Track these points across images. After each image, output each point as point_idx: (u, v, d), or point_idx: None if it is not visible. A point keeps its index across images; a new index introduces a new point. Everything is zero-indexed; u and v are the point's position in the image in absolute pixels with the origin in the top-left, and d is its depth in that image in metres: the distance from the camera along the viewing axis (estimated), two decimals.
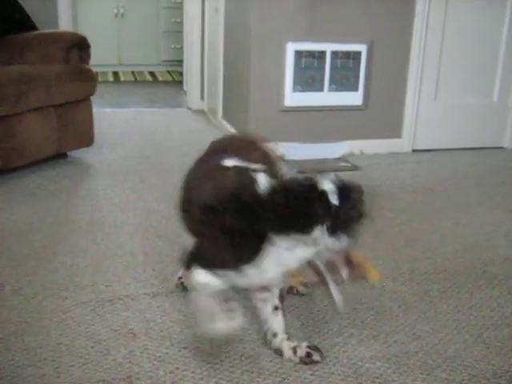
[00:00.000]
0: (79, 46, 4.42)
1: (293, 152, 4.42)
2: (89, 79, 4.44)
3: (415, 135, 4.96)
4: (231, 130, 4.95)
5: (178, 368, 2.15)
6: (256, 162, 2.15)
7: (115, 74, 9.06)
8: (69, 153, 4.62)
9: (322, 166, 4.32)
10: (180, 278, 2.66)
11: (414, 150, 4.96)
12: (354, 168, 4.33)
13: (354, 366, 2.19)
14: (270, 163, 2.30)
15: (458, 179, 4.35)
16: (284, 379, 2.11)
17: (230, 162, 2.12)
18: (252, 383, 2.08)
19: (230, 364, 2.19)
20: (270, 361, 2.20)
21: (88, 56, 4.47)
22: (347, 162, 4.47)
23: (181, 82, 7.74)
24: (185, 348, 2.27)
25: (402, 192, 3.99)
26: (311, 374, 2.14)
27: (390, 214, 3.60)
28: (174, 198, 3.68)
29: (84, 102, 4.45)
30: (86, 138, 4.53)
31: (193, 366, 2.17)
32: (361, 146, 4.71)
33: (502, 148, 5.28)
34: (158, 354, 2.22)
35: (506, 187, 4.25)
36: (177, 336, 2.34)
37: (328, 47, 4.54)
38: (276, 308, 2.21)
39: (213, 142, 2.61)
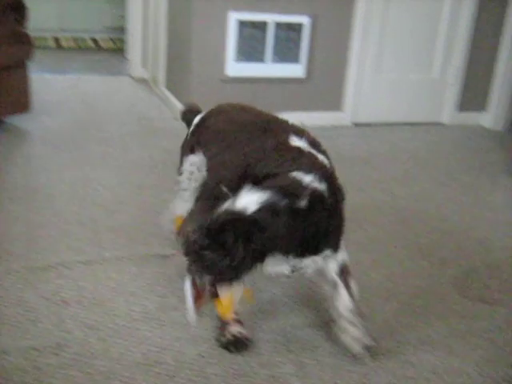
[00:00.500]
0: (15, 7, 4.26)
1: None
2: (25, 43, 4.30)
3: (356, 109, 5.01)
4: (172, 99, 4.90)
5: (109, 336, 2.15)
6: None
7: (56, 40, 8.81)
8: (6, 120, 4.49)
9: None
10: None
11: (354, 124, 5.01)
12: None
13: (285, 333, 2.22)
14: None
15: (395, 153, 4.43)
16: (215, 345, 2.13)
17: (299, 142, 1.97)
18: (186, 347, 2.10)
19: (163, 331, 2.20)
20: (206, 329, 2.22)
21: (25, 19, 4.31)
22: None
23: (123, 50, 7.60)
24: (116, 316, 2.26)
25: (339, 164, 3.99)
26: None
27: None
28: (111, 167, 3.67)
29: (20, 66, 4.32)
30: (21, 103, 4.40)
31: (125, 333, 2.17)
32: (302, 118, 4.72)
33: (440, 123, 5.39)
34: (90, 322, 2.21)
35: (442, 161, 4.35)
36: (109, 304, 2.33)
37: (271, 18, 4.52)
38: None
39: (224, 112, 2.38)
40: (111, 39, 9.10)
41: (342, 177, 3.79)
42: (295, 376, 2.02)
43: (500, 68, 5.31)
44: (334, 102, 4.93)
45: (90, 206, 3.16)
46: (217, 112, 2.37)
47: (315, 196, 1.74)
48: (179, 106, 4.68)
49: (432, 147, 4.71)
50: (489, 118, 5.43)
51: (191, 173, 2.48)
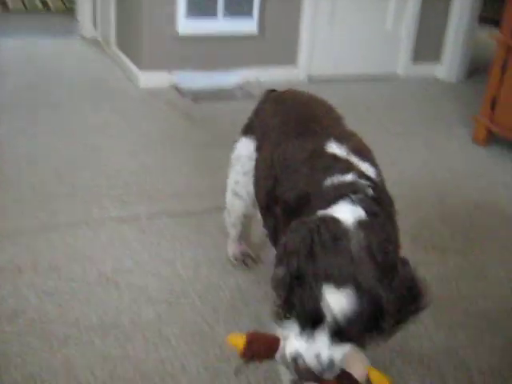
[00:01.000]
0: None
1: (188, 80, 4.35)
2: None
3: (311, 63, 4.98)
4: (124, 59, 4.79)
5: (65, 301, 2.14)
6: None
7: (2, 2, 8.51)
8: None
9: (218, 95, 4.28)
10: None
11: (309, 78, 4.98)
12: (249, 96, 4.31)
13: (241, 290, 2.25)
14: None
15: (350, 106, 4.40)
16: (172, 305, 2.14)
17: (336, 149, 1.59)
18: (143, 309, 2.10)
19: (119, 294, 2.19)
20: (159, 289, 2.22)
21: None
22: (242, 90, 4.44)
23: (74, 10, 7.37)
24: (72, 281, 2.24)
25: None
26: (199, 300, 2.18)
27: None
28: (63, 131, 3.59)
29: None
30: None
31: (81, 298, 2.16)
32: (256, 74, 4.69)
33: (395, 75, 5.40)
34: (45, 288, 2.19)
35: (396, 113, 4.38)
36: (65, 269, 2.31)
37: None
38: None
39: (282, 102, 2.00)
40: (61, 0, 8.83)
41: None
42: (252, 329, 2.04)
43: (453, 19, 5.31)
44: (287, 56, 4.89)
45: (43, 171, 3.10)
46: (273, 98, 2.07)
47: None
48: (131, 66, 4.59)
49: (387, 99, 4.72)
50: (443, 70, 5.45)
51: (238, 157, 2.18)
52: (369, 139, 3.61)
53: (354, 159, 1.56)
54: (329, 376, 1.26)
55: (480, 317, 2.22)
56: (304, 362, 1.24)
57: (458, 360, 2.00)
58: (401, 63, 5.40)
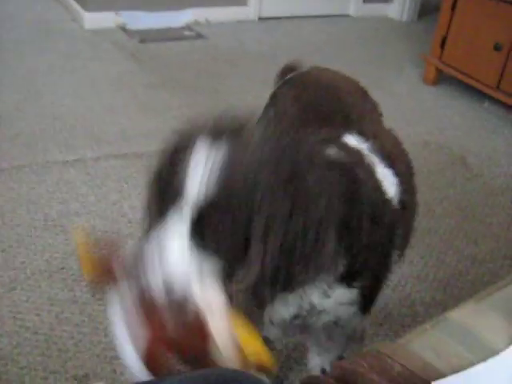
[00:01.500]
0: None
1: (136, 21, 4.23)
2: None
3: (261, 2, 4.89)
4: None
5: (10, 246, 2.10)
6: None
7: None
8: None
9: (166, 35, 4.18)
10: None
11: (260, 18, 4.90)
12: (198, 36, 4.23)
13: None
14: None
15: (301, 46, 4.39)
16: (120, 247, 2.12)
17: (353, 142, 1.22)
18: None
19: (65, 237, 2.16)
20: (106, 231, 2.20)
21: None
22: (191, 30, 4.34)
23: None
24: (18, 225, 2.21)
25: (245, 60, 3.97)
26: None
27: (233, 81, 3.59)
28: (6, 75, 3.45)
29: None
30: None
31: (27, 242, 2.12)
32: (206, 14, 4.58)
33: (347, 15, 5.35)
34: None
35: (347, 54, 4.35)
36: (9, 214, 2.27)
37: None
38: None
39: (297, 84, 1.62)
40: None
41: (247, 72, 3.77)
42: None
43: None
44: None
45: None
46: (292, 81, 1.70)
47: None
48: (75, 6, 4.43)
49: (338, 39, 4.69)
50: (395, 9, 5.42)
51: None
52: None
53: (374, 159, 1.18)
54: (168, 300, 0.87)
55: (426, 253, 2.27)
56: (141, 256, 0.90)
57: (403, 294, 2.05)
58: (352, 3, 5.35)
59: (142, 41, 4.04)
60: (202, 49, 4.06)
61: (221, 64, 3.86)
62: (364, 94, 1.63)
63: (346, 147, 1.15)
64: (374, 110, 1.57)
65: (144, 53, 3.89)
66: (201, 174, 0.90)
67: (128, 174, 2.55)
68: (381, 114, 1.61)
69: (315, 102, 1.48)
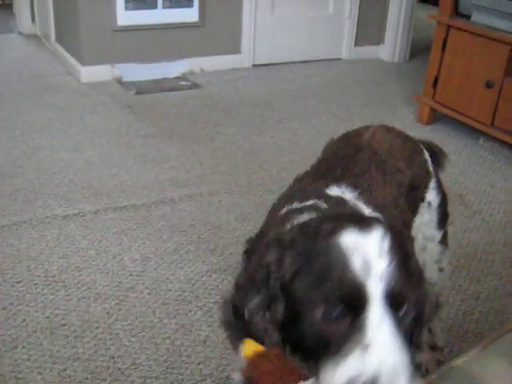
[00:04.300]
0: None
1: (131, 73, 4.29)
2: None
3: (254, 50, 4.96)
4: (65, 54, 4.69)
5: (11, 303, 2.09)
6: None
7: None
8: None
9: (161, 86, 4.22)
10: None
11: (254, 65, 4.96)
12: (194, 86, 4.27)
13: (190, 281, 2.23)
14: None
15: (296, 91, 4.44)
16: (121, 301, 2.11)
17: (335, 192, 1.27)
18: (92, 307, 2.07)
19: (67, 293, 2.15)
20: (107, 285, 2.19)
21: None
22: (187, 80, 4.40)
23: (10, 5, 7.19)
24: (18, 282, 2.20)
25: (241, 107, 4.01)
26: (148, 294, 2.16)
27: (229, 130, 3.62)
28: (3, 130, 3.48)
29: None
30: None
31: (28, 299, 2.11)
32: (200, 64, 4.65)
33: (339, 59, 5.42)
34: None
35: (342, 97, 4.39)
36: (10, 271, 2.26)
37: None
38: None
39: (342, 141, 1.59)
40: None
41: (244, 119, 3.81)
42: (204, 322, 2.04)
43: (394, 0, 5.36)
44: (231, 45, 4.85)
45: None
46: (344, 136, 1.63)
47: None
48: (72, 61, 4.50)
49: (332, 83, 4.74)
50: (386, 51, 5.49)
51: None
52: (315, 124, 3.64)
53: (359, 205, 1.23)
54: None
55: None
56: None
57: None
58: (344, 46, 5.43)
59: (138, 92, 4.09)
60: (197, 98, 4.10)
61: (216, 112, 3.90)
62: (405, 157, 1.53)
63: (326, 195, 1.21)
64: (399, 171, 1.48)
65: (140, 104, 3.94)
66: (380, 267, 0.91)
67: (127, 226, 2.56)
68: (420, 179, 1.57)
69: (331, 158, 1.49)
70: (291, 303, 0.94)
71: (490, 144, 3.60)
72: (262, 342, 0.97)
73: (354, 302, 0.89)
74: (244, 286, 1.01)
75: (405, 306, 0.93)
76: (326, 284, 0.90)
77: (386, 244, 0.92)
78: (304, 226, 0.99)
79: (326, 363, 0.91)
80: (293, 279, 0.94)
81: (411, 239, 1.43)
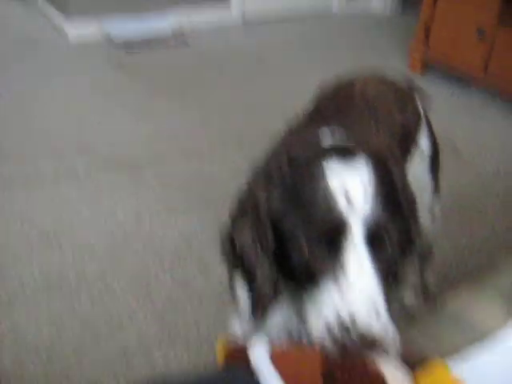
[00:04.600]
0: None
1: (119, 29, 4.21)
2: None
3: (244, 5, 4.88)
4: (52, 10, 4.60)
5: (6, 264, 2.10)
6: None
7: None
8: None
9: (151, 44, 4.16)
10: None
11: (244, 22, 4.89)
12: (184, 44, 4.21)
13: (185, 237, 2.24)
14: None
15: (287, 46, 4.38)
16: (116, 258, 2.12)
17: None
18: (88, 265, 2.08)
19: (62, 252, 2.16)
20: (102, 243, 2.20)
21: None
22: (177, 38, 4.32)
23: None
24: (13, 243, 2.20)
25: (231, 63, 3.96)
26: (143, 250, 2.17)
27: (220, 85, 3.59)
28: None
29: None
30: None
31: (23, 259, 2.12)
32: (190, 17, 4.56)
33: (331, 13, 5.35)
34: None
35: (334, 50, 4.34)
36: (3, 233, 2.27)
37: None
38: None
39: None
40: None
41: (234, 75, 3.76)
42: (200, 276, 2.05)
43: None
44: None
45: None
46: (335, 86, 1.60)
47: None
48: (58, 18, 4.42)
49: (323, 37, 4.68)
50: (378, 4, 5.42)
51: None
52: (307, 77, 3.59)
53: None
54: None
55: None
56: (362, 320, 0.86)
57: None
58: (336, 1, 5.35)
59: (128, 50, 4.03)
60: (187, 55, 4.05)
61: (207, 69, 3.86)
62: (393, 102, 1.52)
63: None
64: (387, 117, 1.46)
65: (131, 63, 3.89)
66: (363, 205, 0.92)
67: (121, 184, 2.55)
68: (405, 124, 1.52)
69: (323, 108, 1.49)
70: (279, 237, 0.97)
71: (481, 93, 3.58)
72: (254, 274, 0.99)
73: (335, 240, 0.91)
74: (237, 220, 1.04)
75: (388, 246, 0.94)
76: (310, 221, 0.92)
77: (372, 182, 0.93)
78: (294, 161, 1.00)
79: (309, 302, 0.94)
80: (280, 215, 0.96)
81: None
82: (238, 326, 1.31)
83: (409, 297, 1.96)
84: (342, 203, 0.91)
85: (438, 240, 2.16)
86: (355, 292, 0.88)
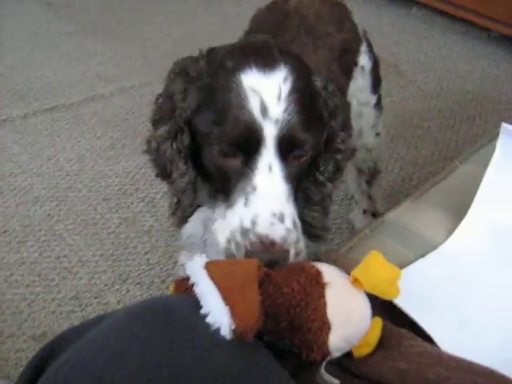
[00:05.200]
0: None
1: None
2: None
3: None
4: None
5: None
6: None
7: None
8: None
9: None
10: None
11: None
12: None
13: (130, 175, 2.20)
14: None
15: None
16: (61, 201, 2.08)
17: None
18: (32, 211, 2.03)
19: (4, 199, 2.10)
20: (45, 188, 2.15)
21: None
22: None
23: None
24: None
25: None
26: (88, 191, 2.13)
27: (157, 18, 3.47)
28: None
29: None
30: None
31: None
32: None
33: None
34: None
35: None
36: None
37: None
38: None
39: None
40: None
41: (171, 6, 3.62)
42: (147, 213, 2.03)
43: None
44: None
45: None
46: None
47: None
48: None
49: None
50: None
51: None
52: (245, 5, 3.50)
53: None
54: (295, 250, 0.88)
55: None
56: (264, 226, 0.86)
57: (349, 206, 2.07)
58: None
59: None
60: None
61: (141, 2, 3.72)
62: (330, 19, 1.49)
63: None
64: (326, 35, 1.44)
65: (60, 0, 3.70)
66: (276, 110, 0.89)
67: (59, 127, 2.47)
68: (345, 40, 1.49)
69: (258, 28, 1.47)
70: (194, 136, 0.95)
71: (422, 13, 3.56)
72: (170, 172, 0.98)
73: (246, 144, 0.89)
74: (155, 117, 1.02)
75: (303, 156, 0.93)
76: (223, 122, 0.89)
77: (288, 86, 0.90)
78: (211, 58, 0.97)
79: (219, 206, 0.93)
80: (195, 114, 0.94)
81: (347, 104, 1.40)
82: (186, 258, 1.30)
83: (355, 215, 1.98)
84: (255, 107, 0.88)
85: (384, 157, 2.18)
86: (260, 196, 0.87)
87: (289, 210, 0.87)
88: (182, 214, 1.01)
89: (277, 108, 0.88)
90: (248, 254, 0.85)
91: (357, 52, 1.57)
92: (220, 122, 0.89)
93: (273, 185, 0.88)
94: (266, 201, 0.86)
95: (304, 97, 0.91)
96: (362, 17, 3.49)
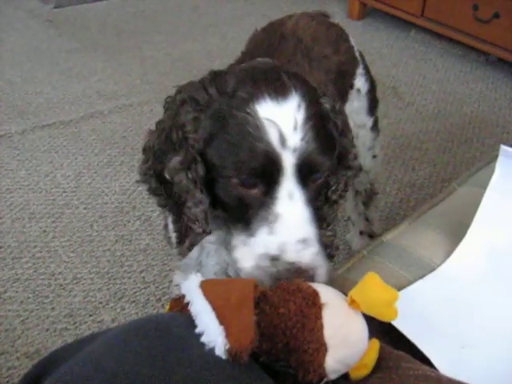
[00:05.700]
0: None
1: None
2: None
3: None
4: None
5: None
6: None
7: None
8: None
9: None
10: None
11: None
12: None
13: (127, 192, 2.19)
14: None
15: None
16: (57, 218, 2.07)
17: None
18: (27, 227, 2.02)
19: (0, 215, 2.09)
20: (41, 204, 2.14)
21: None
22: None
23: None
24: None
25: (167, 14, 3.85)
26: (84, 208, 2.12)
27: (156, 37, 3.49)
28: None
29: None
30: None
31: None
32: None
33: None
34: None
35: None
36: None
37: None
38: None
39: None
40: None
41: (171, 27, 3.66)
42: (144, 231, 2.02)
43: None
44: None
45: None
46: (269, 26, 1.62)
47: None
48: None
49: None
50: None
51: None
52: (246, 26, 3.53)
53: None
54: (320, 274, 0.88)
55: None
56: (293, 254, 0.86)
57: (348, 228, 2.06)
58: None
59: (58, 5, 3.87)
60: (120, 7, 3.92)
61: (142, 21, 3.74)
62: (324, 43, 1.49)
63: None
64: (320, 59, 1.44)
65: (60, 17, 3.73)
66: (293, 138, 0.88)
67: (57, 143, 2.47)
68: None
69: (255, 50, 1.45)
70: (208, 167, 0.92)
71: (421, 36, 3.58)
72: (184, 201, 0.95)
73: (266, 175, 0.88)
74: (160, 147, 0.97)
75: (320, 178, 0.93)
76: (240, 154, 0.88)
77: (302, 114, 0.89)
78: (220, 85, 0.94)
79: (239, 236, 0.92)
80: (207, 145, 0.91)
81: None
82: (181, 278, 1.29)
83: (352, 236, 1.97)
84: (274, 138, 0.87)
85: (381, 179, 2.19)
86: (285, 223, 0.87)
87: (313, 234, 0.88)
88: (191, 242, 0.98)
89: (294, 137, 0.88)
90: (276, 280, 0.84)
91: (353, 74, 1.57)
92: (237, 153, 0.88)
93: (296, 211, 0.88)
94: (291, 228, 0.87)
95: (317, 122, 0.91)
96: (361, 39, 3.56)
